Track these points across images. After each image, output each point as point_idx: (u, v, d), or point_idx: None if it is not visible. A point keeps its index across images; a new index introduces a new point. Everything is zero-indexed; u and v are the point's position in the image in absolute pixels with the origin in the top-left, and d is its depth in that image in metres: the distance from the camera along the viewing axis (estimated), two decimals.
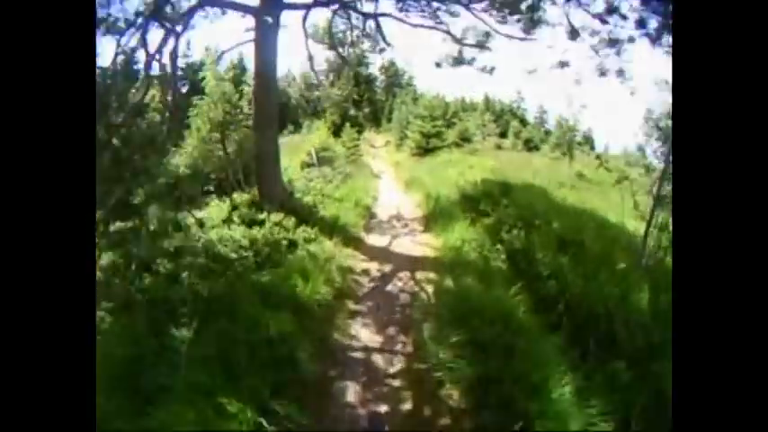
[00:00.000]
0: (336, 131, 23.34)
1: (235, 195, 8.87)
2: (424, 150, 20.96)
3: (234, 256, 5.24)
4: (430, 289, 5.09)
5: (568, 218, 7.68)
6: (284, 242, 6.00)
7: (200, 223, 7.12)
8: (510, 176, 12.16)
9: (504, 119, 43.81)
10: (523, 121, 44.99)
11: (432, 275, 5.42)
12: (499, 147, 29.41)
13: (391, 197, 11.21)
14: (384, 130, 37.60)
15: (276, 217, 6.61)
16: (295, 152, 17.57)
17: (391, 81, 45.61)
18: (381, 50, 10.80)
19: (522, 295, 4.56)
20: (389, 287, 5.25)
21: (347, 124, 21.31)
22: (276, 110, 7.52)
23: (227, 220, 7.05)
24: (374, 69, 39.49)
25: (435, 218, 7.93)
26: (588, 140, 39.01)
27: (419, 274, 5.49)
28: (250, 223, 6.66)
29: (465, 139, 25.55)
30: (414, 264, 5.89)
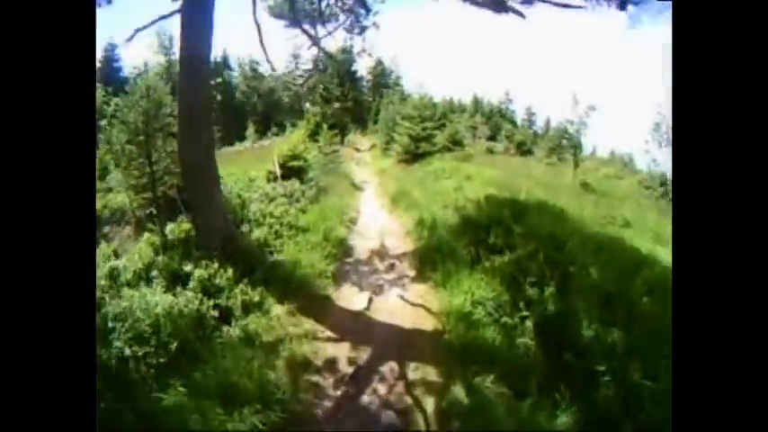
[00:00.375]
0: (316, 134, 21.17)
1: (173, 225, 6.86)
2: (413, 156, 19.02)
3: (127, 353, 3.25)
4: (430, 405, 3.21)
5: (601, 255, 6.00)
6: (212, 314, 4.04)
7: (112, 274, 5.13)
8: (514, 189, 10.41)
9: (494, 120, 42.36)
10: (514, 123, 43.74)
11: (431, 374, 3.53)
12: (491, 150, 27.76)
13: (374, 220, 9.22)
14: (370, 132, 35.53)
15: (206, 271, 4.61)
16: (268, 160, 15.53)
17: (378, 81, 43.49)
18: (363, 29, 8.25)
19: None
20: (366, 397, 3.34)
21: (324, 126, 19.11)
22: (210, 108, 5.47)
23: (147, 272, 5.02)
24: (357, 61, 36.59)
25: (431, 256, 6.03)
26: (577, 144, 37.71)
27: (412, 372, 3.59)
28: (172, 278, 4.66)
29: (456, 142, 23.73)
30: (404, 346, 3.99)
